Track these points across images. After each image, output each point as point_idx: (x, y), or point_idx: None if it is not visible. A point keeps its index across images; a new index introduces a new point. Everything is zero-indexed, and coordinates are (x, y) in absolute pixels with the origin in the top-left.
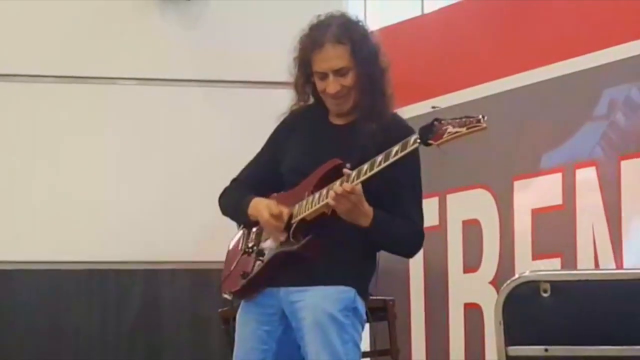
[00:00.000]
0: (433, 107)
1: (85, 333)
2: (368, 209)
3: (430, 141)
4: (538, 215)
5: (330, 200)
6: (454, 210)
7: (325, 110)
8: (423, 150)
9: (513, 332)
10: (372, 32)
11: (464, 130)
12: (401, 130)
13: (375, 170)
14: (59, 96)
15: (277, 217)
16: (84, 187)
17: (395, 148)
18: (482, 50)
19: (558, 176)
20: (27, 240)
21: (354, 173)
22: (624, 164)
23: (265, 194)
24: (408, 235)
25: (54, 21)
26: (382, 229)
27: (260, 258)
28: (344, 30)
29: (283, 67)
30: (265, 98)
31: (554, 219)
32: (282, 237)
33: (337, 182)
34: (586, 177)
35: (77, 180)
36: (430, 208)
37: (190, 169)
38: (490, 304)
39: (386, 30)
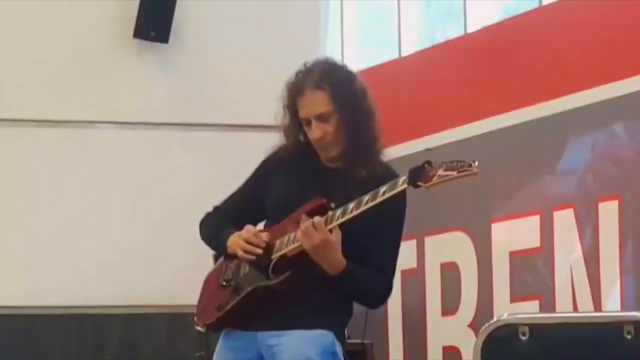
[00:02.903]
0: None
1: None
2: (339, 261)
3: (419, 183)
4: (516, 257)
5: (298, 233)
6: (432, 252)
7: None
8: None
9: None
10: (355, 75)
11: (454, 174)
12: (392, 178)
13: (362, 209)
14: (38, 140)
15: (256, 235)
16: (61, 231)
17: (383, 188)
18: (458, 93)
19: (536, 218)
20: (4, 283)
21: (338, 211)
22: (602, 205)
23: (244, 225)
24: (375, 290)
25: (32, 65)
26: (348, 284)
27: (238, 292)
28: (324, 75)
29: (261, 110)
30: (243, 141)
31: (532, 261)
32: (254, 265)
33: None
34: (564, 219)
35: (54, 224)
36: (408, 251)
37: (168, 212)
38: (469, 346)
39: (363, 73)
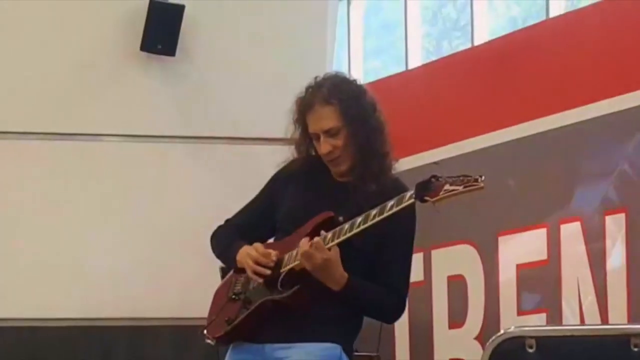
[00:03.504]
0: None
1: None
2: (341, 275)
3: (426, 197)
4: (523, 270)
5: (299, 257)
6: (439, 265)
7: (328, 169)
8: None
9: None
10: (365, 90)
11: (461, 188)
12: (401, 192)
13: (370, 223)
14: (44, 153)
15: (265, 255)
16: (67, 244)
17: (391, 203)
18: (465, 106)
19: (543, 231)
20: (10, 296)
21: (346, 225)
22: (609, 218)
23: (256, 239)
24: (383, 305)
25: (39, 79)
26: (352, 298)
27: (247, 306)
28: (333, 89)
29: (268, 123)
30: (249, 154)
31: (539, 274)
32: (263, 280)
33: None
34: (571, 231)
35: (60, 237)
36: (415, 263)
37: (175, 225)
38: (476, 359)
39: (370, 86)
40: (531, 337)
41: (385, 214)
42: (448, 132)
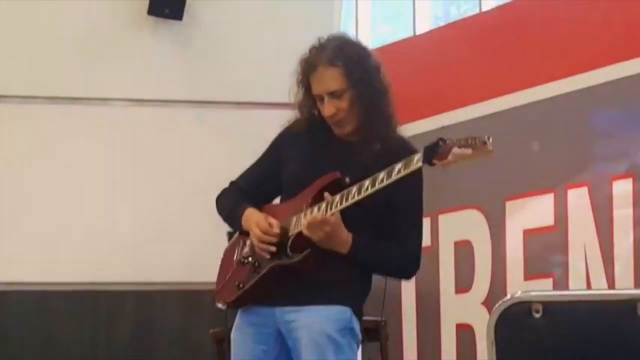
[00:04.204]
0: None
1: (76, 354)
2: (346, 237)
3: (434, 161)
4: (530, 235)
5: (304, 230)
6: (446, 231)
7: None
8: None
9: (505, 353)
10: (370, 52)
11: (469, 151)
12: (407, 151)
13: (377, 187)
14: (51, 117)
15: (267, 231)
16: (75, 208)
17: (398, 166)
18: (473, 71)
19: (550, 197)
20: (18, 261)
21: (354, 189)
22: (616, 183)
23: (261, 200)
24: (394, 261)
25: (45, 42)
26: (362, 257)
27: (257, 270)
28: (338, 51)
29: (275, 88)
30: (257, 119)
31: (546, 239)
32: (269, 255)
33: (316, 209)
34: (578, 197)
35: (68, 201)
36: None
37: (182, 189)
38: (482, 324)
39: (378, 51)
40: (538, 302)
41: (394, 178)
42: (456, 97)
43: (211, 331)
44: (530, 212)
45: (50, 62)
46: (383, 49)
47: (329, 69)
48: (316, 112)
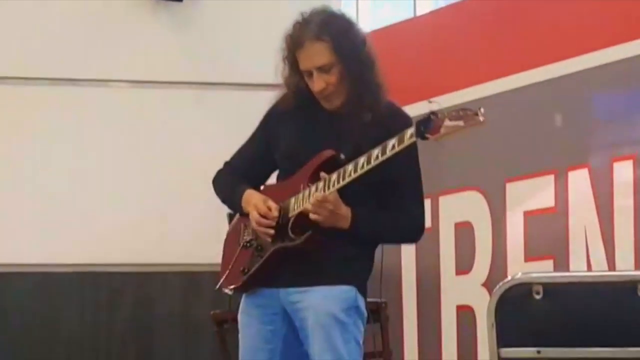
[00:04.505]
0: (430, 101)
1: (76, 335)
2: (345, 212)
3: (427, 135)
4: (530, 217)
5: (311, 214)
6: (446, 212)
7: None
8: (419, 146)
9: (505, 334)
10: (354, 24)
11: (461, 123)
12: (397, 119)
13: (373, 164)
14: (52, 98)
15: (266, 214)
16: (75, 190)
17: (392, 142)
18: (474, 52)
19: (550, 178)
20: (19, 242)
21: (349, 167)
22: (616, 165)
23: (258, 179)
24: (398, 227)
25: (46, 24)
26: (364, 229)
27: (260, 253)
28: (324, 25)
29: (276, 70)
30: (257, 100)
31: (547, 221)
32: (270, 238)
33: (314, 188)
34: (579, 179)
35: (69, 183)
36: None
37: (182, 171)
38: (483, 306)
39: (378, 32)
40: (538, 284)
41: (388, 154)
42: (457, 79)
43: (212, 313)
44: (531, 194)
45: (50, 44)
46: (383, 31)
47: (316, 44)
48: (304, 87)
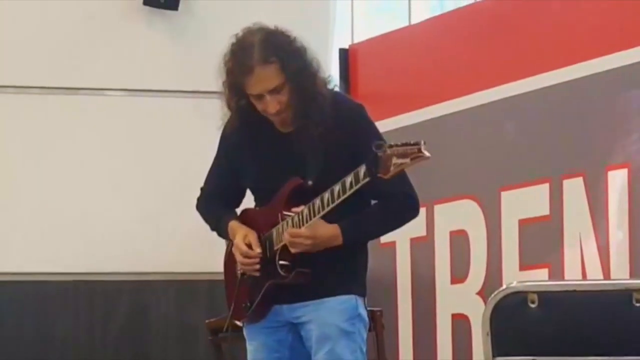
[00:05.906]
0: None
1: (71, 344)
2: (332, 232)
3: (379, 175)
4: (525, 225)
5: (290, 249)
6: (441, 220)
7: (266, 118)
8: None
9: (501, 343)
10: (291, 35)
11: (408, 161)
12: (344, 118)
13: (337, 200)
14: (47, 107)
15: (247, 254)
16: (70, 198)
17: (349, 180)
18: (468, 60)
19: (545, 187)
20: (14, 251)
21: (305, 211)
22: (611, 174)
23: (236, 200)
24: (392, 214)
25: (41, 32)
26: (359, 236)
27: (258, 288)
28: (267, 46)
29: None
30: None
31: (541, 229)
32: (259, 273)
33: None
34: (573, 187)
35: (63, 192)
36: (417, 219)
37: (177, 180)
38: (478, 314)
39: (373, 41)
40: (533, 292)
41: (349, 192)
42: (452, 87)
43: (206, 321)
44: (526, 202)
45: (45, 52)
46: (378, 39)
47: (266, 68)
48: (244, 105)
